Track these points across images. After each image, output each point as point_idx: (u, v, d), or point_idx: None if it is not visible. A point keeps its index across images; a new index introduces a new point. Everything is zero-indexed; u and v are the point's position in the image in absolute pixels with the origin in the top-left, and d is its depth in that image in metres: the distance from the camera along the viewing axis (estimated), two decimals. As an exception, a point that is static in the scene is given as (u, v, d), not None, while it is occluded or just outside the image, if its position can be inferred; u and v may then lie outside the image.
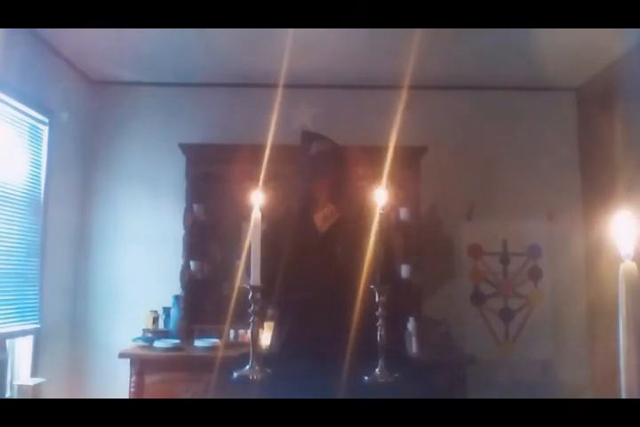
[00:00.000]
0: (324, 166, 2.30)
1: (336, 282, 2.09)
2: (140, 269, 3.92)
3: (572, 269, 3.93)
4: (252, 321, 1.42)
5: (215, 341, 3.47)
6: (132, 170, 4.03)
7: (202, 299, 3.77)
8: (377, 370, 1.46)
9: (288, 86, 3.40)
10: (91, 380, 3.81)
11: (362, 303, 1.83)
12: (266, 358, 1.61)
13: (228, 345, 3.38)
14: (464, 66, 3.75)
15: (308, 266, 2.18)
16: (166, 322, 3.75)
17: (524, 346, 3.92)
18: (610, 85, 3.63)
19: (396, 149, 2.71)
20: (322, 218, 2.26)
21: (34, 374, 3.30)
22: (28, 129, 3.35)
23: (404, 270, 3.64)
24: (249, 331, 1.45)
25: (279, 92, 3.29)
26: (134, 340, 3.54)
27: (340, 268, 2.14)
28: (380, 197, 1.52)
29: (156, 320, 3.72)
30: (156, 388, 3.28)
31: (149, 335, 3.58)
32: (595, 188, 3.85)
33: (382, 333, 1.46)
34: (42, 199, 3.47)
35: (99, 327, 3.88)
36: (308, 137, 2.46)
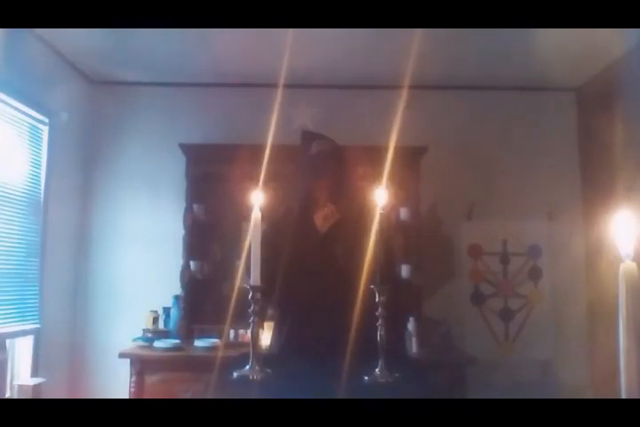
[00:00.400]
0: (323, 166, 2.29)
1: (336, 282, 2.09)
2: (140, 269, 3.93)
3: (572, 269, 3.93)
4: (252, 321, 1.42)
5: (215, 341, 3.47)
6: (132, 170, 4.03)
7: (202, 299, 3.77)
8: (377, 370, 1.46)
9: (288, 86, 3.40)
10: (91, 380, 3.81)
11: (362, 303, 1.83)
12: (266, 358, 1.61)
13: (228, 345, 3.38)
14: (464, 66, 3.75)
15: (309, 266, 2.18)
16: (166, 322, 3.75)
17: (524, 346, 3.92)
18: (610, 85, 3.63)
19: (396, 149, 2.70)
20: (322, 218, 2.25)
21: (34, 374, 3.30)
22: (28, 129, 3.35)
23: (404, 270, 3.64)
24: (249, 331, 1.44)
25: (279, 92, 3.29)
26: (134, 340, 3.54)
27: (340, 268, 2.14)
28: (380, 197, 1.52)
29: (156, 320, 3.72)
30: (156, 388, 3.28)
31: (149, 335, 3.58)
32: (595, 188, 3.85)
33: (382, 333, 1.46)
34: (42, 199, 3.47)
35: (99, 327, 3.88)
36: (309, 136, 2.46)
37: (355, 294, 1.84)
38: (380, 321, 1.47)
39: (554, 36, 2.89)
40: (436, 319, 3.71)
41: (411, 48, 3.04)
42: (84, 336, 3.88)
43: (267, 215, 1.52)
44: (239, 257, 3.22)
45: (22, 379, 3.20)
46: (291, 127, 3.74)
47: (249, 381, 1.39)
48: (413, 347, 3.48)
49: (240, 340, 3.57)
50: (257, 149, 2.84)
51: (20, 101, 3.17)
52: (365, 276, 1.80)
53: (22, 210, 3.27)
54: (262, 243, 1.43)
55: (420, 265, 3.70)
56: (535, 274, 4.01)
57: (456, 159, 4.00)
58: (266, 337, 3.00)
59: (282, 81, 3.26)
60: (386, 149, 2.59)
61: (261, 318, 2.83)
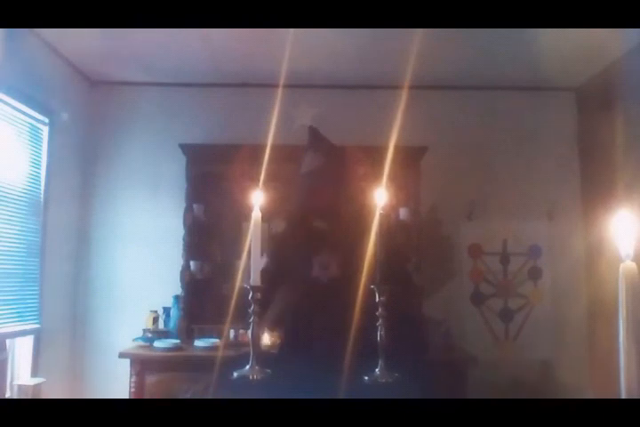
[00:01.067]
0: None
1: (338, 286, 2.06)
2: (140, 269, 3.92)
3: (571, 269, 3.93)
4: (252, 321, 1.42)
5: (215, 341, 3.47)
6: (132, 170, 4.03)
7: (202, 299, 3.76)
8: (377, 370, 1.46)
9: (288, 86, 3.40)
10: (91, 380, 3.81)
11: (371, 304, 1.81)
12: (266, 359, 1.61)
13: (228, 345, 3.38)
14: (464, 66, 3.75)
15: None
16: (166, 322, 3.75)
17: (524, 346, 3.92)
18: (610, 85, 3.63)
19: (396, 148, 2.70)
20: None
21: (34, 374, 3.30)
22: (28, 129, 3.35)
23: (404, 270, 3.64)
24: (249, 331, 1.44)
25: (279, 92, 3.29)
26: (134, 340, 3.54)
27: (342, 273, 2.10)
28: (380, 197, 1.51)
29: (155, 320, 3.72)
30: (156, 388, 3.28)
31: (149, 335, 3.58)
32: (595, 187, 3.85)
33: (382, 333, 1.46)
34: (42, 199, 3.47)
35: (99, 327, 3.88)
36: (312, 138, 2.37)
37: (365, 295, 1.81)
38: (380, 321, 1.47)
39: (554, 36, 2.89)
40: (436, 319, 3.71)
41: (411, 48, 3.04)
42: (83, 336, 3.88)
43: (267, 216, 1.52)
44: (239, 257, 3.22)
45: (22, 379, 3.20)
46: (291, 127, 3.74)
47: (249, 381, 1.39)
48: (413, 347, 3.47)
49: (240, 340, 3.56)
50: (257, 149, 2.84)
51: (20, 101, 3.17)
52: (370, 277, 1.78)
53: (22, 210, 3.27)
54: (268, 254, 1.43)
55: (420, 265, 3.70)
56: (535, 274, 4.01)
57: (456, 159, 4.00)
58: (266, 337, 2.99)
59: (282, 81, 3.26)
60: (386, 149, 2.59)
61: (261, 318, 2.82)
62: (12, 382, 3.13)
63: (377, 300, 1.47)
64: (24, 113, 3.27)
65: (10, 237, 3.15)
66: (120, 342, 3.57)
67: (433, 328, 3.65)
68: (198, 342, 3.48)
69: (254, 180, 2.63)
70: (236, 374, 1.42)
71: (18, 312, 3.22)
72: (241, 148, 3.49)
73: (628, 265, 0.91)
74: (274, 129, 3.11)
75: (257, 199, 1.43)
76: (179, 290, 3.76)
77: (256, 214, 1.43)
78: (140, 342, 3.51)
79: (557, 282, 3.97)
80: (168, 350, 3.39)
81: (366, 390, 1.44)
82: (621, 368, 0.89)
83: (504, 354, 3.92)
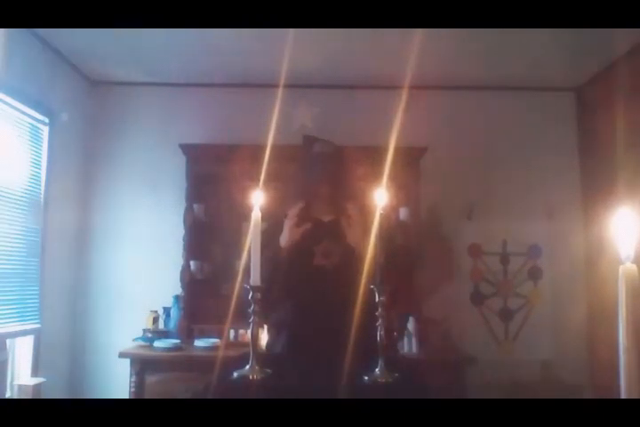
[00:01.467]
0: (324, 167, 2.26)
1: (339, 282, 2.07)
2: (140, 269, 3.92)
3: (571, 269, 3.94)
4: (252, 321, 1.42)
5: (215, 341, 3.47)
6: (132, 170, 4.03)
7: (202, 299, 3.76)
8: (377, 370, 1.46)
9: (288, 86, 3.40)
10: (91, 380, 3.81)
11: (366, 304, 1.81)
12: (265, 359, 1.61)
13: (228, 345, 3.38)
14: (464, 66, 3.75)
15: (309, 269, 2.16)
16: (166, 322, 3.75)
17: (524, 346, 3.92)
18: (610, 85, 3.63)
19: (396, 149, 2.70)
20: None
21: (34, 374, 3.30)
22: (28, 129, 3.36)
23: (404, 270, 3.64)
24: (249, 331, 1.44)
25: (279, 92, 3.29)
26: (134, 340, 3.54)
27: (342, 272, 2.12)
28: (381, 197, 1.51)
29: (155, 320, 3.72)
30: (156, 388, 3.28)
31: (149, 335, 3.58)
32: (595, 187, 3.85)
33: (382, 333, 1.46)
34: (42, 199, 3.47)
35: (99, 327, 3.88)
36: (311, 140, 2.43)
37: (357, 295, 1.82)
38: (379, 321, 1.47)
39: (554, 36, 2.89)
40: (436, 319, 3.71)
41: (411, 48, 3.04)
42: (84, 336, 3.88)
43: (267, 216, 1.52)
44: (239, 257, 3.21)
45: (22, 379, 3.20)
46: (291, 127, 3.74)
47: (249, 381, 1.39)
48: (413, 347, 3.48)
49: (240, 340, 3.57)
50: (257, 149, 2.84)
51: (20, 101, 3.17)
52: (370, 278, 1.78)
53: (22, 210, 3.27)
54: (262, 242, 1.43)
55: (420, 265, 3.70)
56: (535, 274, 4.01)
57: (456, 159, 4.00)
58: (266, 337, 2.99)
59: (282, 81, 3.26)
60: (386, 149, 2.59)
61: (261, 318, 2.82)
62: (12, 382, 3.13)
63: (377, 300, 1.47)
64: (24, 113, 3.27)
65: (10, 237, 3.15)
66: (120, 342, 3.56)
67: (432, 328, 3.65)
68: (198, 342, 3.48)
69: (254, 180, 2.63)
70: (236, 374, 1.42)
71: (18, 312, 3.23)
72: (241, 148, 3.49)
73: (627, 267, 0.91)
74: (274, 129, 3.11)
75: (257, 199, 1.43)
76: (179, 290, 3.76)
77: (256, 214, 1.43)
78: (140, 342, 3.51)
79: (557, 282, 3.97)
80: (168, 350, 3.39)
81: (366, 390, 1.44)
82: (621, 368, 0.89)
83: (504, 354, 3.91)
